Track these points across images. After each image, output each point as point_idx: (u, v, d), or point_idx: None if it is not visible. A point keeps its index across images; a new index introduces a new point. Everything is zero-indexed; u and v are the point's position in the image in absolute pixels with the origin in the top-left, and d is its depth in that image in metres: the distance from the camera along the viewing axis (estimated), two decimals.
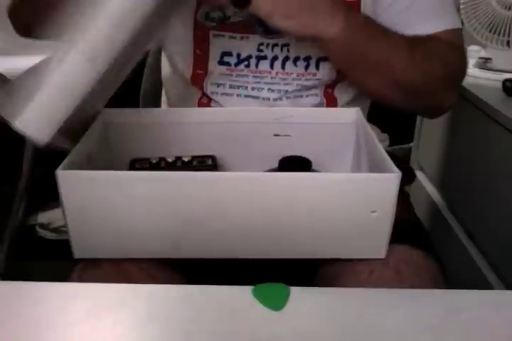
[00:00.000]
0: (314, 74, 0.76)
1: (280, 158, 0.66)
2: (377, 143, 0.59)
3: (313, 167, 0.66)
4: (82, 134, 0.60)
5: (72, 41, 0.51)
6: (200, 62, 0.76)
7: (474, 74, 1.10)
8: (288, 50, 0.74)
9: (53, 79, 0.51)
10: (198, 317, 0.45)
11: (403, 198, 0.67)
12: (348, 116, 0.71)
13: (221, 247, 0.56)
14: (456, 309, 0.47)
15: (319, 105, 0.78)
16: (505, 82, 0.98)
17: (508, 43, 1.04)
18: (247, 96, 0.78)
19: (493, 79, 1.06)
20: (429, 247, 0.65)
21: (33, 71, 0.52)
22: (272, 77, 0.76)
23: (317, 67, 0.75)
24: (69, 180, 0.52)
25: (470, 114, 1.02)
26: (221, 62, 0.75)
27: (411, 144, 1.44)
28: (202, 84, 0.78)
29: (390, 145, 0.88)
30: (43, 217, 1.48)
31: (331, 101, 0.79)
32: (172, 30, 0.74)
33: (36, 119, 0.51)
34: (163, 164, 0.66)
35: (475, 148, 1.04)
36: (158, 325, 0.44)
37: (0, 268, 1.11)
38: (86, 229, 0.55)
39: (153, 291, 0.49)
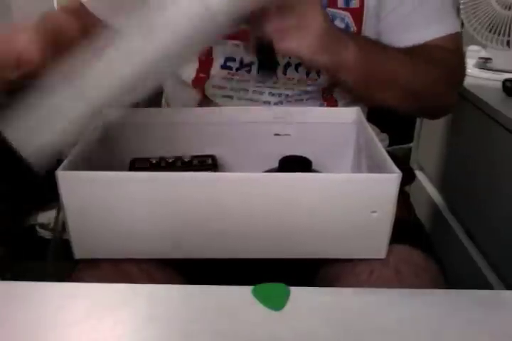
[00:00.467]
0: (315, 80, 0.77)
1: (280, 157, 0.66)
2: (378, 142, 0.59)
3: (313, 167, 0.66)
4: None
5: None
6: (204, 66, 0.77)
7: (474, 74, 1.10)
8: (290, 57, 0.74)
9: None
10: (198, 317, 0.45)
11: (403, 198, 0.67)
12: (348, 116, 0.71)
13: (221, 247, 0.56)
14: (456, 309, 0.47)
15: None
16: (505, 82, 0.98)
17: (508, 43, 1.04)
18: (247, 99, 0.78)
19: (493, 79, 1.06)
20: (429, 247, 0.65)
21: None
22: (273, 82, 0.76)
23: (318, 72, 0.76)
24: (69, 180, 0.52)
25: (470, 113, 1.02)
26: (224, 66, 0.76)
27: (411, 144, 1.44)
28: (203, 86, 0.78)
29: (390, 145, 0.88)
30: (43, 217, 1.48)
31: (331, 104, 0.79)
32: None
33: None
34: (163, 164, 0.66)
35: (475, 148, 1.04)
36: (158, 324, 0.44)
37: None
38: (86, 230, 0.55)
39: (154, 291, 0.49)
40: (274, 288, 0.49)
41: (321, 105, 0.79)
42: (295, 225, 0.55)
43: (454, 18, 0.76)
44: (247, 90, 0.77)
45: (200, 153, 0.69)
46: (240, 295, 0.47)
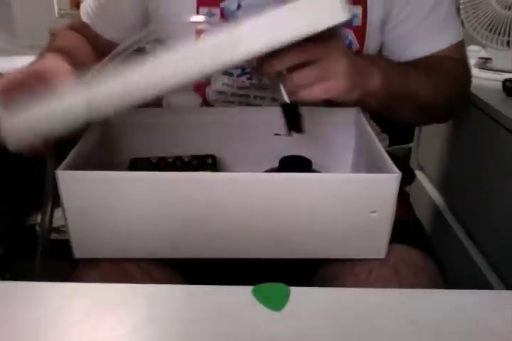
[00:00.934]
0: None
1: (280, 157, 0.66)
2: (378, 143, 0.59)
3: (313, 167, 0.66)
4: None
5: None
6: None
7: (474, 74, 1.09)
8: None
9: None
10: (197, 317, 0.45)
11: (403, 198, 0.67)
12: (348, 116, 0.71)
13: (221, 247, 0.56)
14: (456, 309, 0.47)
15: None
16: (505, 82, 0.98)
17: (508, 43, 1.04)
18: (249, 104, 0.78)
19: (493, 79, 1.06)
20: (429, 247, 0.65)
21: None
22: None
23: None
24: (69, 180, 0.52)
25: (470, 113, 1.02)
26: (224, 72, 0.76)
27: (411, 144, 1.44)
28: (204, 91, 0.78)
29: (390, 145, 0.88)
30: None
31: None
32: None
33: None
34: (163, 164, 0.66)
35: (475, 148, 1.04)
36: (158, 324, 0.44)
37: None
38: (86, 229, 0.55)
39: (154, 291, 0.49)
40: (274, 288, 0.49)
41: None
42: (295, 225, 0.55)
43: (458, 25, 0.79)
44: (248, 96, 0.77)
45: (200, 153, 0.69)
46: (240, 295, 0.47)
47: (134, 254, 0.57)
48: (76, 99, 0.53)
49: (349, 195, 0.53)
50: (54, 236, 1.42)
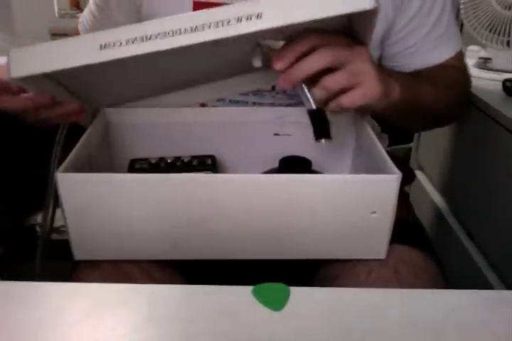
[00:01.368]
0: None
1: (280, 157, 0.66)
2: (378, 143, 0.59)
3: (313, 167, 0.66)
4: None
5: None
6: None
7: (474, 74, 1.10)
8: None
9: None
10: (197, 317, 0.45)
11: (403, 198, 0.67)
12: (348, 116, 0.71)
13: (221, 248, 0.56)
14: (456, 309, 0.47)
15: None
16: (505, 82, 0.98)
17: (508, 43, 1.04)
18: None
19: (493, 79, 1.06)
20: (429, 247, 0.65)
21: None
22: (272, 96, 0.76)
23: None
24: (68, 182, 0.52)
25: (470, 113, 1.02)
26: None
27: (411, 144, 1.44)
28: None
29: (390, 145, 0.88)
30: None
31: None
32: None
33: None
34: (162, 164, 0.66)
35: (475, 148, 1.04)
36: (158, 324, 0.44)
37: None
38: (86, 231, 0.55)
39: (154, 291, 0.49)
40: (274, 288, 0.49)
41: None
42: (295, 226, 0.55)
43: (458, 35, 0.79)
44: (246, 102, 0.77)
45: (200, 153, 0.69)
46: (240, 295, 0.47)
47: (134, 256, 0.57)
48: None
49: (349, 195, 0.53)
50: (54, 236, 1.42)
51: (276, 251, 0.57)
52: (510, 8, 1.01)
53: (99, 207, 0.53)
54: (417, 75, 0.75)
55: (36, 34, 1.54)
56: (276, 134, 0.72)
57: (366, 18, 0.52)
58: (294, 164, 0.66)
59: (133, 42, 0.49)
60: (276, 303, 0.47)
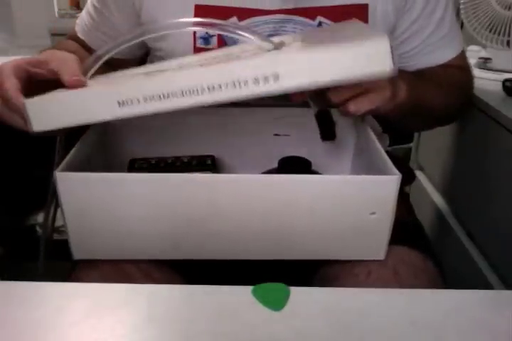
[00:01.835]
0: None
1: (280, 158, 0.66)
2: (378, 143, 0.59)
3: (313, 167, 0.66)
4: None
5: None
6: None
7: (474, 74, 1.10)
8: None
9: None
10: (197, 317, 0.45)
11: (403, 199, 0.67)
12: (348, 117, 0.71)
13: (220, 248, 0.56)
14: (456, 309, 0.47)
15: None
16: (505, 82, 0.97)
17: (508, 43, 1.03)
18: None
19: (493, 79, 1.06)
20: (428, 248, 0.65)
21: None
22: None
23: None
24: (67, 181, 0.52)
25: (470, 113, 1.02)
26: None
27: (411, 144, 1.44)
28: None
29: (390, 145, 0.88)
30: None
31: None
32: (172, 54, 0.73)
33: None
34: (162, 164, 0.66)
35: (475, 148, 1.04)
36: (158, 324, 0.44)
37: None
38: (85, 231, 0.55)
39: (154, 291, 0.49)
40: (274, 288, 0.49)
41: None
42: (295, 226, 0.55)
43: (459, 35, 0.79)
44: (246, 103, 0.76)
45: (199, 153, 0.69)
46: (240, 295, 0.47)
47: (133, 255, 0.57)
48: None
49: (349, 196, 0.53)
50: (54, 236, 1.42)
51: (276, 252, 0.57)
52: (510, 8, 1.01)
53: (98, 206, 0.53)
54: (421, 74, 0.75)
55: (36, 34, 1.54)
56: (276, 134, 0.72)
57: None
58: (293, 164, 0.66)
59: (151, 100, 0.50)
60: (276, 303, 0.47)
